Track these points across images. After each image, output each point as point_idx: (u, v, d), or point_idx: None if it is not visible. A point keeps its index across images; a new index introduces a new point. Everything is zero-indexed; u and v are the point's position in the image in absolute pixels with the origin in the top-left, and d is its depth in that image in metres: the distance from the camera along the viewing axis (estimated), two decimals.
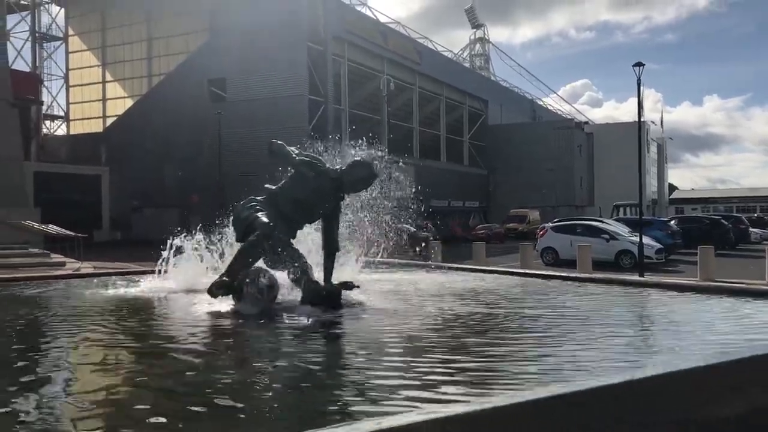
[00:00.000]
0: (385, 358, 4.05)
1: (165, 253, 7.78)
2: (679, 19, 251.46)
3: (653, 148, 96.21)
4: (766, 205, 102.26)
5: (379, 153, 7.57)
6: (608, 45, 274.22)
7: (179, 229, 7.97)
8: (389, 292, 7.03)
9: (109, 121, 58.48)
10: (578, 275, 9.37)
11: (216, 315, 5.70)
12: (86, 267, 19.49)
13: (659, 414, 2.39)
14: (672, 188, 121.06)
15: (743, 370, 2.70)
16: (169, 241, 7.78)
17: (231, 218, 6.97)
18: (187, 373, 3.70)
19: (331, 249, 6.75)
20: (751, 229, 39.69)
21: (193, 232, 7.82)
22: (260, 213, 6.48)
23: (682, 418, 2.46)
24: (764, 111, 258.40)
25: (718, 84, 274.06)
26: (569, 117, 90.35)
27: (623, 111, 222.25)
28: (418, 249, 13.79)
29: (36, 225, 25.97)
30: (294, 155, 6.81)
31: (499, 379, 3.45)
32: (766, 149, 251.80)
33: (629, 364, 3.90)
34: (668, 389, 2.43)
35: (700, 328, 4.95)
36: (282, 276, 6.37)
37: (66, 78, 64.64)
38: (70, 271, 15.66)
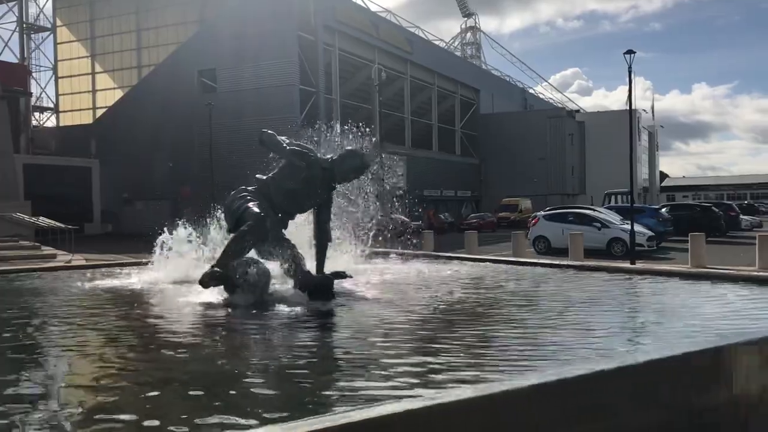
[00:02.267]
0: (376, 348, 4.07)
1: (157, 245, 7.77)
2: (665, 8, 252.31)
3: (644, 136, 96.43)
4: (756, 192, 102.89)
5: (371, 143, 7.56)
6: (596, 34, 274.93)
7: (170, 222, 7.95)
8: (382, 282, 7.04)
9: (99, 113, 58.10)
10: (570, 263, 9.41)
11: (208, 306, 5.69)
12: (77, 259, 19.39)
13: (649, 399, 2.40)
14: (663, 176, 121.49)
15: (732, 356, 2.72)
16: (160, 234, 7.76)
17: (222, 209, 6.95)
18: (179, 364, 3.70)
19: (323, 239, 6.75)
20: (741, 216, 39.91)
21: (184, 223, 7.79)
22: (251, 203, 6.46)
23: (671, 403, 2.47)
24: (752, 99, 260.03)
25: (706, 72, 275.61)
26: (560, 105, 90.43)
27: (612, 99, 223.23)
28: (412, 239, 13.82)
29: (26, 217, 25.83)
30: (285, 145, 6.77)
31: (494, 367, 3.47)
32: (754, 136, 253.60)
33: (620, 351, 3.92)
34: (657, 375, 2.45)
35: (689, 314, 4.98)
36: (274, 266, 6.36)
37: (55, 69, 64.13)
38: (61, 264, 15.57)
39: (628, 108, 26.59)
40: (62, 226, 23.88)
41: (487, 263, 9.08)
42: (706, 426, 2.59)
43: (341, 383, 3.22)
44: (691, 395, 2.52)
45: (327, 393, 3.06)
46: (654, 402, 2.40)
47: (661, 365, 2.45)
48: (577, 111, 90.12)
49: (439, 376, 3.18)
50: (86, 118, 60.14)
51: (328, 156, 6.84)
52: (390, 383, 3.09)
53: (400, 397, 2.19)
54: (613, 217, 26.58)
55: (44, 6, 63.09)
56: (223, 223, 6.93)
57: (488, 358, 3.75)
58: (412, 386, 3.00)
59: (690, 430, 2.54)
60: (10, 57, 59.70)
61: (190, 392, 3.09)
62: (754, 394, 2.75)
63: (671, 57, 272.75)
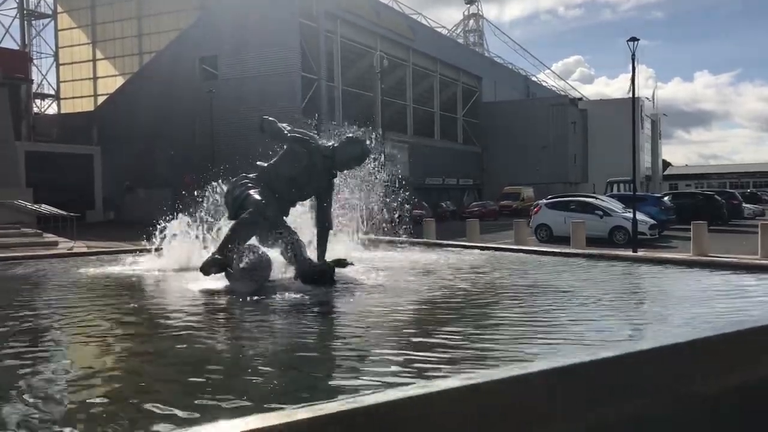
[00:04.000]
0: (377, 335, 4.06)
1: (159, 233, 7.76)
2: None
3: (647, 125, 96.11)
4: (759, 180, 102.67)
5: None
6: (597, 22, 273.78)
7: (171, 209, 7.94)
8: (383, 270, 7.02)
9: (101, 100, 57.97)
10: (572, 251, 9.39)
11: (209, 293, 5.69)
12: (79, 246, 19.46)
13: (649, 388, 2.39)
14: (666, 164, 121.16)
15: (733, 345, 2.71)
16: (163, 222, 7.75)
17: (223, 196, 6.93)
18: (179, 352, 3.69)
19: (324, 227, 6.74)
20: (744, 205, 39.83)
21: (185, 211, 7.78)
22: (252, 190, 6.45)
23: (673, 393, 2.46)
24: (755, 87, 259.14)
25: (708, 60, 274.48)
26: (563, 93, 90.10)
27: (615, 87, 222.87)
28: (412, 227, 13.81)
29: (28, 205, 25.89)
30: (286, 132, 6.75)
31: (493, 356, 3.46)
32: (757, 125, 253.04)
33: (620, 338, 3.91)
34: (658, 363, 2.43)
35: (691, 302, 4.97)
36: (275, 253, 6.35)
37: (56, 56, 63.95)
38: (63, 251, 15.61)
39: (630, 96, 26.45)
40: (64, 213, 23.95)
41: (491, 251, 9.07)
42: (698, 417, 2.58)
43: (335, 373, 3.22)
44: (679, 385, 2.50)
45: (321, 383, 3.06)
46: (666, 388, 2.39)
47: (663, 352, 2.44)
48: (580, 99, 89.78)
49: (437, 370, 3.17)
50: (87, 105, 60.02)
51: (329, 143, 6.82)
52: (382, 373, 3.08)
53: (393, 386, 2.18)
54: (616, 206, 26.55)
55: None
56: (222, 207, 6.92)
57: (480, 350, 3.74)
58: (405, 375, 2.99)
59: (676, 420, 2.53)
60: (11, 44, 59.59)
61: (186, 379, 3.08)
62: (754, 383, 2.74)
63: (673, 45, 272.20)
